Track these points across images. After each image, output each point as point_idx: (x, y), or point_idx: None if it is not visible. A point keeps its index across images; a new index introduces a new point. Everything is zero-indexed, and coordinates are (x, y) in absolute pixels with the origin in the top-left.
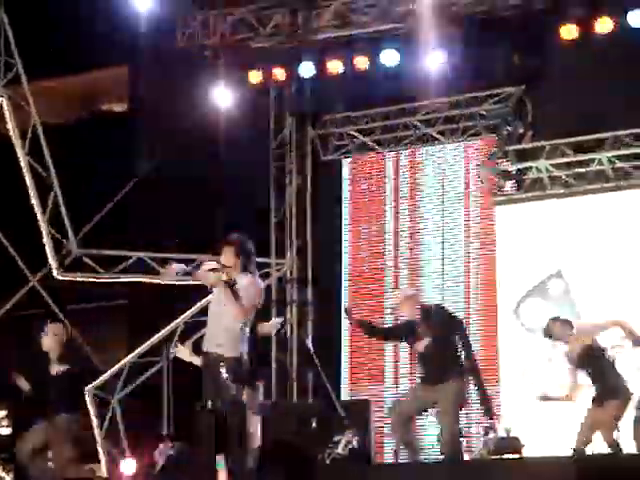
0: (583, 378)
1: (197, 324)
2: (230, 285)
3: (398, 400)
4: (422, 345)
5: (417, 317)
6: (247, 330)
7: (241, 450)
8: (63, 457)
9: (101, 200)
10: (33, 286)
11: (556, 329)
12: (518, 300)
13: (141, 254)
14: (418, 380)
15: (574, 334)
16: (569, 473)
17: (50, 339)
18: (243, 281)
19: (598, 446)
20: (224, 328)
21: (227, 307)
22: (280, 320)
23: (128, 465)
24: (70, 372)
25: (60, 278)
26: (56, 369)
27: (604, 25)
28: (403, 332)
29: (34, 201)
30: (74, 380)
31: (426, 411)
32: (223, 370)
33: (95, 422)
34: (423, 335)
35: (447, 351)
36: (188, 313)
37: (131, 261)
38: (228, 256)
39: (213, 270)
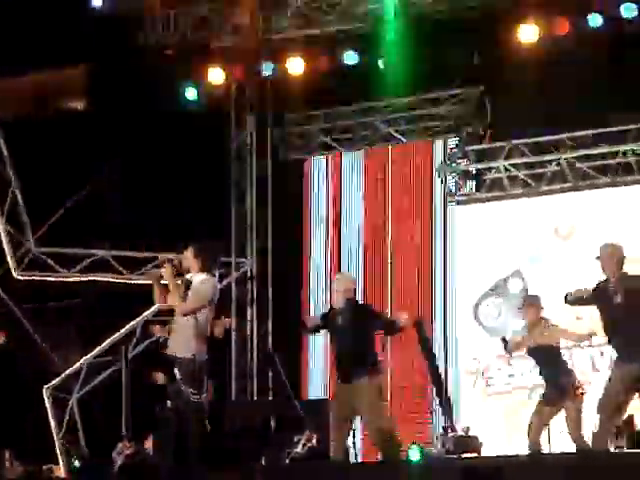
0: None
1: (156, 324)
2: (160, 281)
3: None
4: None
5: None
6: (203, 329)
7: (197, 452)
8: None
9: (60, 198)
10: None
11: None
12: (477, 300)
13: (100, 252)
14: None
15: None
16: (529, 471)
17: None
18: (196, 278)
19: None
20: (176, 328)
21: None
22: (228, 321)
23: None
24: None
25: (18, 277)
26: None
27: (562, 26)
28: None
29: None
30: None
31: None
32: (176, 371)
33: (52, 422)
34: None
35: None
36: (147, 313)
37: (90, 260)
38: (187, 257)
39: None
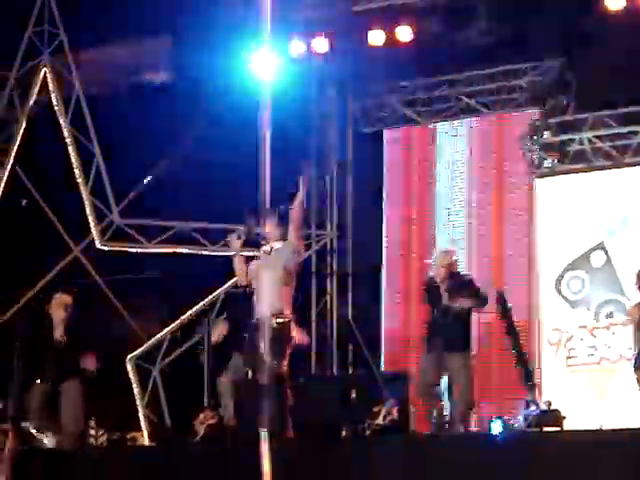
0: None
1: (237, 295)
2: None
3: None
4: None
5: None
6: (290, 295)
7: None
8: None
9: (143, 170)
10: (76, 256)
11: None
12: (560, 273)
13: (182, 224)
14: None
15: None
16: (612, 446)
17: (56, 310)
18: (277, 245)
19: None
20: (263, 292)
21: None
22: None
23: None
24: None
25: (102, 248)
26: (59, 340)
27: None
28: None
29: (77, 171)
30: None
31: None
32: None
33: (136, 391)
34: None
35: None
36: (229, 284)
37: (172, 232)
38: (268, 226)
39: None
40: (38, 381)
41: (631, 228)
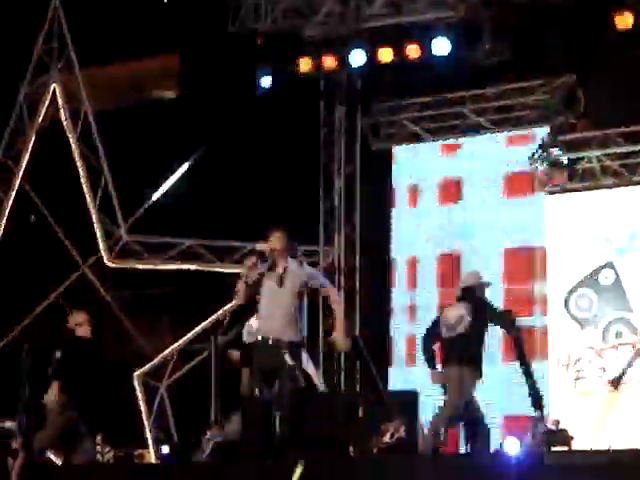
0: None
1: (243, 311)
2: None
3: None
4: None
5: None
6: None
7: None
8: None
9: (151, 187)
10: (84, 272)
11: None
12: (568, 291)
13: (191, 241)
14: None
15: None
16: (620, 467)
17: (80, 327)
18: (297, 266)
19: None
20: (280, 313)
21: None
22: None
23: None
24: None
25: (110, 265)
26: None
27: None
28: None
29: (85, 187)
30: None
31: None
32: (287, 357)
33: (143, 408)
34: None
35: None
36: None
37: (180, 248)
38: (275, 241)
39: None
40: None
41: (639, 247)
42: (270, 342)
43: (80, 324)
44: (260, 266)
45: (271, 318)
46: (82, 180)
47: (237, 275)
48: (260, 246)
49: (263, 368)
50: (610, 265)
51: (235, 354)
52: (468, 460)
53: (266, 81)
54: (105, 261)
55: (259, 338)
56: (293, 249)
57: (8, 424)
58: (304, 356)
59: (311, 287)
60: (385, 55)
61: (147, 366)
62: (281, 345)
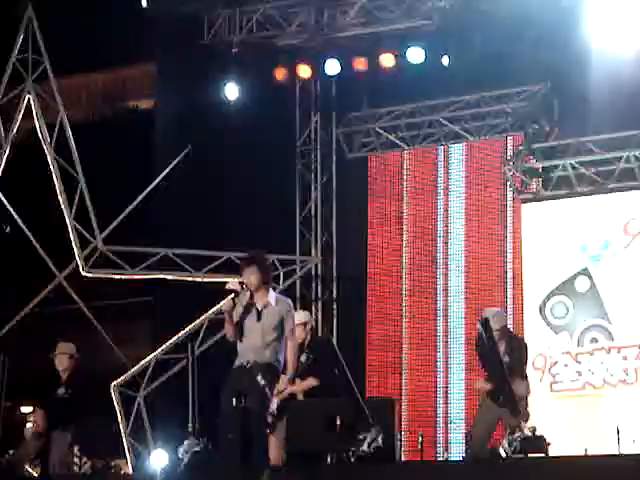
0: None
1: (222, 321)
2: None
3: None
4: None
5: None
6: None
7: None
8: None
9: (127, 197)
10: (59, 283)
11: None
12: (544, 298)
13: (167, 250)
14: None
15: None
16: (597, 472)
17: (60, 358)
18: (272, 301)
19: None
20: (260, 344)
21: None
22: None
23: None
24: (73, 397)
25: (86, 275)
26: (62, 391)
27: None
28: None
29: (60, 197)
30: (75, 405)
31: None
32: (259, 378)
33: (120, 418)
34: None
35: None
36: (213, 310)
37: (156, 258)
38: (249, 276)
39: (234, 294)
40: (29, 425)
41: (615, 253)
42: (245, 366)
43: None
44: (239, 300)
45: (248, 349)
46: (58, 190)
47: (214, 284)
48: (232, 284)
49: (236, 388)
50: (585, 272)
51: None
52: (440, 468)
53: (248, 92)
54: (81, 271)
55: (236, 364)
56: (268, 277)
57: None
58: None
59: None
60: (360, 64)
61: (124, 376)
62: (255, 367)
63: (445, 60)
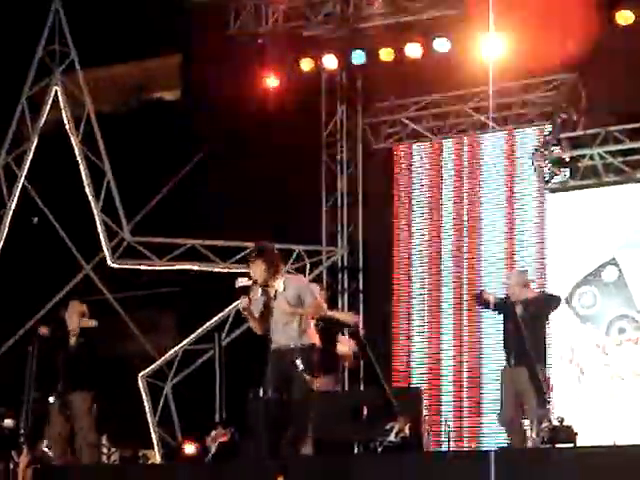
0: None
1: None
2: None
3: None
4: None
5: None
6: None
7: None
8: (86, 441)
9: (154, 188)
10: (87, 274)
11: None
12: (571, 288)
13: (193, 241)
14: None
15: None
16: (623, 462)
17: (70, 317)
18: (280, 286)
19: None
20: (285, 327)
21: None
22: None
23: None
24: (85, 347)
25: (114, 266)
26: (72, 349)
27: None
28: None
29: (88, 189)
30: (89, 355)
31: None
32: (298, 362)
33: (148, 408)
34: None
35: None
36: (239, 301)
37: (183, 249)
38: (256, 270)
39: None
40: (51, 399)
41: None
42: (280, 351)
43: (84, 314)
44: (253, 295)
45: (277, 332)
46: (85, 182)
47: (241, 274)
48: (241, 282)
49: (275, 376)
50: (613, 262)
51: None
52: (468, 458)
53: (274, 83)
54: (108, 262)
55: (271, 349)
56: (276, 267)
57: (8, 422)
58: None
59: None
60: (386, 54)
61: (152, 367)
62: (290, 352)
63: (471, 50)
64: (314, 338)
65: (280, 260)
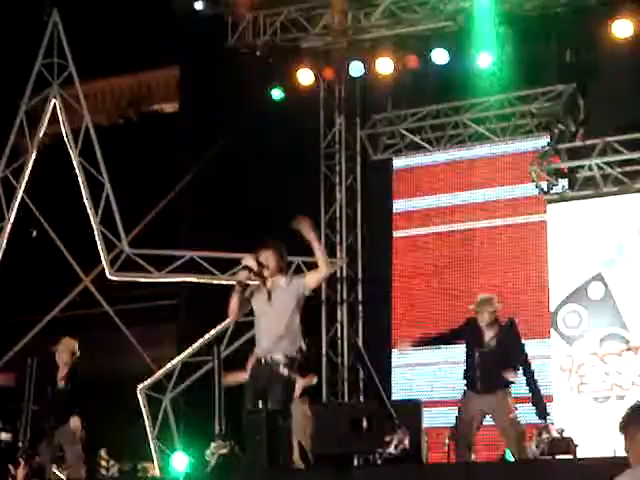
0: None
1: (247, 324)
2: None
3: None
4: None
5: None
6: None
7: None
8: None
9: (153, 200)
10: (86, 286)
11: None
12: (556, 306)
13: (192, 253)
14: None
15: None
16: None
17: (62, 353)
18: (281, 282)
19: None
20: (274, 330)
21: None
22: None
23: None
24: (74, 390)
25: (112, 278)
26: (62, 384)
27: None
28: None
29: (86, 201)
30: (78, 397)
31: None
32: (284, 370)
33: (147, 421)
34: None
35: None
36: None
37: (182, 261)
38: (267, 257)
39: (248, 270)
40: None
41: (628, 257)
42: (263, 362)
43: (74, 352)
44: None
45: (265, 335)
46: (83, 194)
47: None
48: (249, 260)
49: (256, 387)
50: (599, 278)
51: (230, 377)
52: (470, 469)
53: (272, 95)
54: (107, 274)
55: (254, 359)
56: (284, 265)
57: (5, 435)
58: None
59: (310, 286)
60: (384, 66)
61: (150, 379)
62: (274, 361)
63: (469, 61)
64: (300, 341)
65: (287, 262)
